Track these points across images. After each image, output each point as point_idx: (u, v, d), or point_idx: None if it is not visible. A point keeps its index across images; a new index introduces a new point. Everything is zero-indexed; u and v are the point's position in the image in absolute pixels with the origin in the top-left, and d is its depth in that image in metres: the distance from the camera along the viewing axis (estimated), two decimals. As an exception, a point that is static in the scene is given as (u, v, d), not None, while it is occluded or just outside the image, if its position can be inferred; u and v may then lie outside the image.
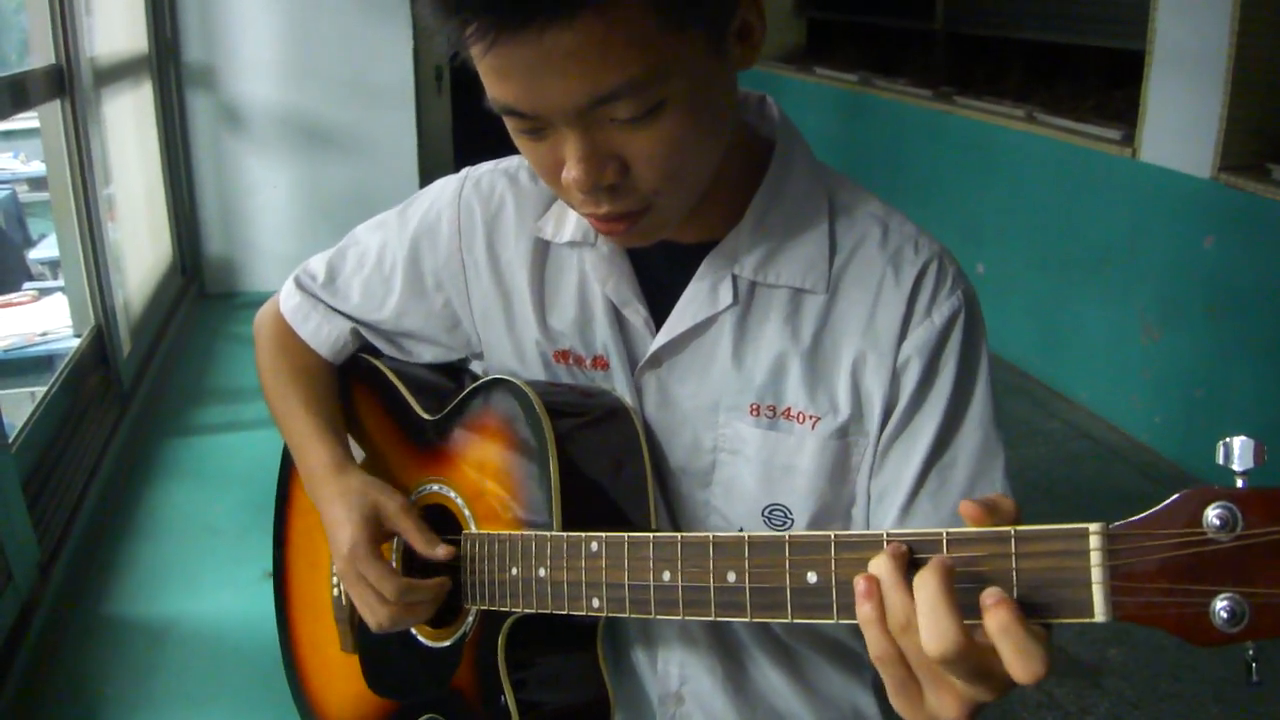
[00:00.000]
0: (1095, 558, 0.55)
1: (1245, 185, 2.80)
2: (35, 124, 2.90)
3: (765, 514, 0.89)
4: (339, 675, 1.06)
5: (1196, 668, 2.23)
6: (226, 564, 2.28)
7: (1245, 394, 2.88)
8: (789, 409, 0.86)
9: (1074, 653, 2.30)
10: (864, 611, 0.62)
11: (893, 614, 0.61)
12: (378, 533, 0.94)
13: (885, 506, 0.86)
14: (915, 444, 0.85)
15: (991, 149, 3.91)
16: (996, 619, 0.56)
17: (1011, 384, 3.70)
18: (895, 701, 0.64)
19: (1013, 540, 0.58)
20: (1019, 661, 0.56)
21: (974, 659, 0.57)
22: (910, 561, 0.62)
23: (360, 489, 0.95)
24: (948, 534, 0.61)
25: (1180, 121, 3.01)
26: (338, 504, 0.95)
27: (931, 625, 0.58)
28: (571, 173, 0.74)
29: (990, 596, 0.56)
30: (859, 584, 0.62)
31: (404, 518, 0.93)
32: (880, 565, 0.62)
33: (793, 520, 0.88)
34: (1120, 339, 3.35)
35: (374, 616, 0.93)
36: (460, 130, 5.58)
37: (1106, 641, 2.32)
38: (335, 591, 1.06)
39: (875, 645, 0.62)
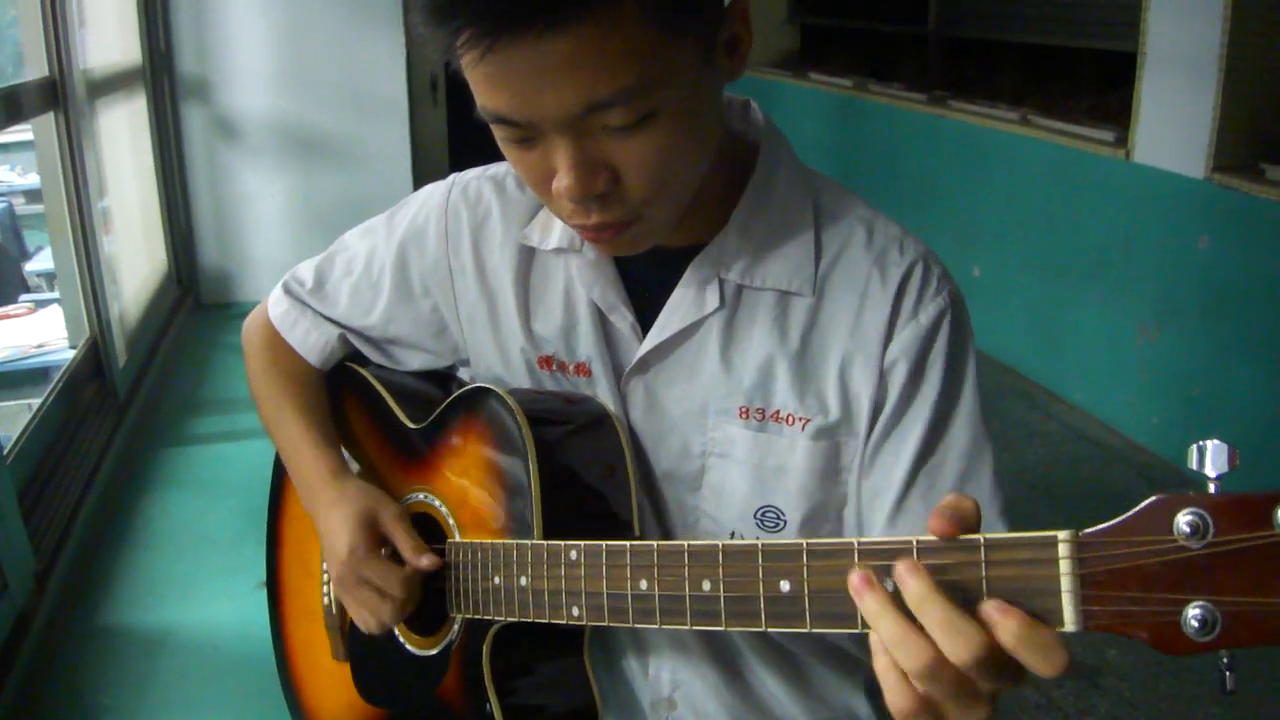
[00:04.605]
0: (1065, 566, 0.54)
1: (1239, 185, 2.81)
2: (30, 136, 2.90)
3: (757, 516, 0.89)
4: (332, 684, 1.06)
5: (1196, 668, 2.23)
6: (222, 573, 2.28)
7: (1241, 393, 2.88)
8: (778, 411, 0.86)
9: (1073, 653, 2.29)
10: (867, 605, 0.60)
11: (885, 630, 0.58)
12: (375, 535, 0.94)
13: (877, 507, 0.86)
14: (904, 444, 0.85)
15: (986, 152, 3.91)
16: (1008, 629, 0.55)
17: (1008, 386, 3.70)
18: None
19: (982, 549, 0.57)
20: (1040, 660, 0.55)
21: (1000, 656, 0.56)
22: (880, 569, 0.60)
23: (356, 495, 0.96)
24: (918, 543, 0.60)
25: (1173, 122, 3.01)
26: (335, 510, 0.96)
27: (950, 634, 0.56)
28: (563, 181, 0.74)
29: (996, 610, 0.55)
30: (854, 579, 0.60)
31: (396, 525, 0.94)
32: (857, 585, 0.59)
33: (785, 522, 0.88)
34: (1116, 340, 3.35)
35: (376, 617, 0.93)
36: (455, 140, 5.58)
37: (1105, 642, 2.31)
38: (326, 600, 1.05)
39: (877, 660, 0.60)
